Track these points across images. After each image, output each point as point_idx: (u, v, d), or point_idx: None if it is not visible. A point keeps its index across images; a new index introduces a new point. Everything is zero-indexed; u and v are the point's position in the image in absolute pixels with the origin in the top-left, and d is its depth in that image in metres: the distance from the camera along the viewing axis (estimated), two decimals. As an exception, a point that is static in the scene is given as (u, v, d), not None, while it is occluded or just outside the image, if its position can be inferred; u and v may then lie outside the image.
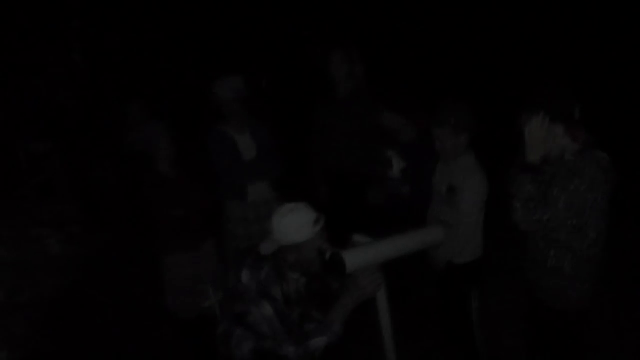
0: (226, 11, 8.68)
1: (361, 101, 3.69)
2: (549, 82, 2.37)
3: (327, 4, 9.11)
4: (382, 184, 3.48)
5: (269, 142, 3.67)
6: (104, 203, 5.63)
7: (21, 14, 6.46)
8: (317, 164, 3.92)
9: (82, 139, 5.65)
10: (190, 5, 8.41)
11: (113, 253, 5.19)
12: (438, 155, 2.86)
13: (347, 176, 3.72)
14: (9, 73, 6.63)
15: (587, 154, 2.15)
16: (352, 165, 3.68)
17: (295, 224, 2.09)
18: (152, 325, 3.94)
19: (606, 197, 2.16)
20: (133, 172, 4.44)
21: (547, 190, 2.17)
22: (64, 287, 4.73)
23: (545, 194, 2.17)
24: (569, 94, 2.18)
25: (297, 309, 2.29)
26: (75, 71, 7.18)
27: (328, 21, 8.67)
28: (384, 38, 9.17)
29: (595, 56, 8.72)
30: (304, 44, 7.83)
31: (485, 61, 9.28)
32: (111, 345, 3.82)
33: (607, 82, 8.17)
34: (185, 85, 7.41)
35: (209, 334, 2.47)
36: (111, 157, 5.33)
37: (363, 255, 2.09)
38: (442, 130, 2.70)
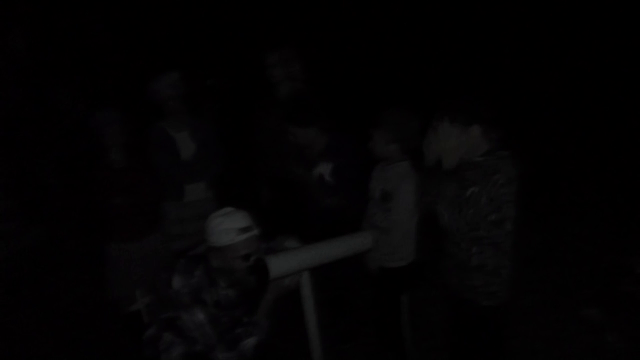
0: (175, 8, 8.57)
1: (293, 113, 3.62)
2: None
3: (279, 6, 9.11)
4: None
5: (210, 141, 3.61)
6: (41, 197, 5.44)
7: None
8: (259, 166, 3.87)
9: (19, 131, 5.44)
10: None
11: (49, 249, 5.04)
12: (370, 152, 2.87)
13: (285, 179, 3.69)
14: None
15: (494, 153, 2.26)
16: (289, 167, 3.65)
17: (221, 226, 2.08)
18: (93, 319, 3.89)
19: (515, 189, 2.25)
20: (75, 160, 4.32)
21: (464, 191, 2.24)
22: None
23: (463, 195, 2.24)
24: (474, 99, 2.31)
25: (228, 314, 2.27)
26: (17, 60, 6.90)
27: (279, 23, 8.66)
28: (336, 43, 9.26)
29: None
30: (250, 45, 7.77)
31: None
32: (50, 341, 3.75)
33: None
34: (132, 78, 7.25)
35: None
36: (50, 149, 5.16)
37: (288, 260, 2.07)
38: (375, 133, 2.74)
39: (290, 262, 2.08)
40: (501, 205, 2.21)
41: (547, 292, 3.91)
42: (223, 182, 3.73)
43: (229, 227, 2.07)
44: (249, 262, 2.05)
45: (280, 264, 2.03)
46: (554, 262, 4.29)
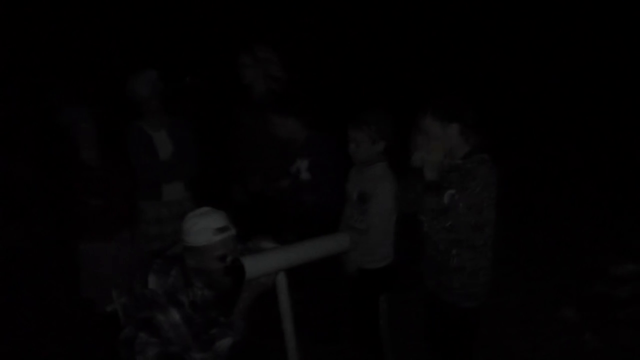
0: (156, 6, 8.52)
1: (272, 102, 3.55)
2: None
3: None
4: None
5: (188, 140, 3.58)
6: (16, 194, 5.33)
7: None
8: (233, 166, 3.84)
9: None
10: None
11: (25, 246, 4.96)
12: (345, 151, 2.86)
13: (258, 179, 3.68)
14: None
15: (474, 156, 2.30)
16: (262, 168, 3.64)
17: (197, 226, 2.07)
18: (70, 319, 3.82)
19: (494, 193, 2.29)
20: (52, 159, 4.26)
21: (442, 196, 2.28)
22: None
23: (442, 201, 2.27)
24: (462, 100, 2.36)
25: (204, 315, 2.25)
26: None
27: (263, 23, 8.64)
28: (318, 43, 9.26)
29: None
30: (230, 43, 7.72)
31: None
32: (28, 341, 3.70)
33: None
34: (111, 77, 7.19)
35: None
36: (25, 145, 5.07)
37: (264, 261, 2.06)
38: (359, 133, 2.71)
39: (267, 262, 2.07)
40: (481, 210, 2.25)
41: (523, 293, 3.94)
42: (201, 182, 3.70)
43: (206, 227, 2.06)
44: (225, 262, 2.04)
45: (256, 265, 2.02)
46: (530, 263, 4.32)
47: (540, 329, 3.58)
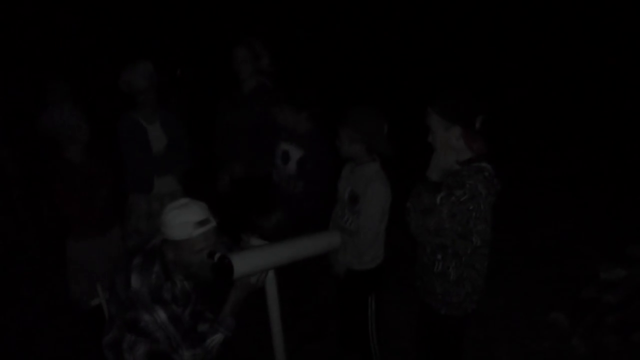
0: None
1: (263, 98, 3.55)
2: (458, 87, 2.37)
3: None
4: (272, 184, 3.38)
5: (180, 132, 3.54)
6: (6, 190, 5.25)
7: None
8: (219, 160, 3.80)
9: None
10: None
11: (8, 240, 4.89)
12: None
13: (244, 173, 3.65)
14: None
15: (472, 165, 2.18)
16: (248, 162, 3.61)
17: (177, 219, 1.99)
18: (53, 313, 3.81)
19: (488, 206, 2.19)
20: (38, 155, 4.20)
21: (434, 198, 2.20)
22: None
23: (433, 202, 2.20)
24: (475, 102, 2.18)
25: (189, 310, 2.21)
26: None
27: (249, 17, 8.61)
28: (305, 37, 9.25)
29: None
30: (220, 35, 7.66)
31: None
32: (11, 335, 3.69)
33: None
34: (99, 69, 7.11)
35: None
36: (10, 138, 4.99)
37: (253, 259, 2.03)
38: (341, 130, 2.64)
39: (256, 260, 2.04)
40: (467, 220, 2.16)
41: (513, 297, 3.93)
42: (191, 174, 3.67)
43: (186, 221, 1.98)
44: (213, 259, 2.00)
45: (245, 263, 1.98)
46: (520, 268, 4.31)
47: (528, 333, 3.57)
